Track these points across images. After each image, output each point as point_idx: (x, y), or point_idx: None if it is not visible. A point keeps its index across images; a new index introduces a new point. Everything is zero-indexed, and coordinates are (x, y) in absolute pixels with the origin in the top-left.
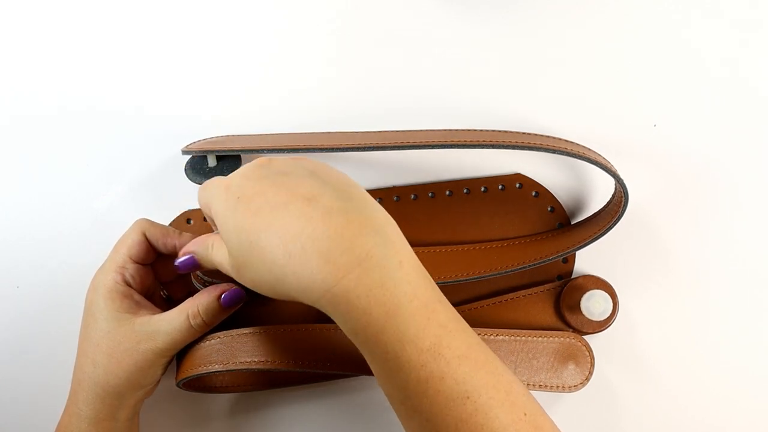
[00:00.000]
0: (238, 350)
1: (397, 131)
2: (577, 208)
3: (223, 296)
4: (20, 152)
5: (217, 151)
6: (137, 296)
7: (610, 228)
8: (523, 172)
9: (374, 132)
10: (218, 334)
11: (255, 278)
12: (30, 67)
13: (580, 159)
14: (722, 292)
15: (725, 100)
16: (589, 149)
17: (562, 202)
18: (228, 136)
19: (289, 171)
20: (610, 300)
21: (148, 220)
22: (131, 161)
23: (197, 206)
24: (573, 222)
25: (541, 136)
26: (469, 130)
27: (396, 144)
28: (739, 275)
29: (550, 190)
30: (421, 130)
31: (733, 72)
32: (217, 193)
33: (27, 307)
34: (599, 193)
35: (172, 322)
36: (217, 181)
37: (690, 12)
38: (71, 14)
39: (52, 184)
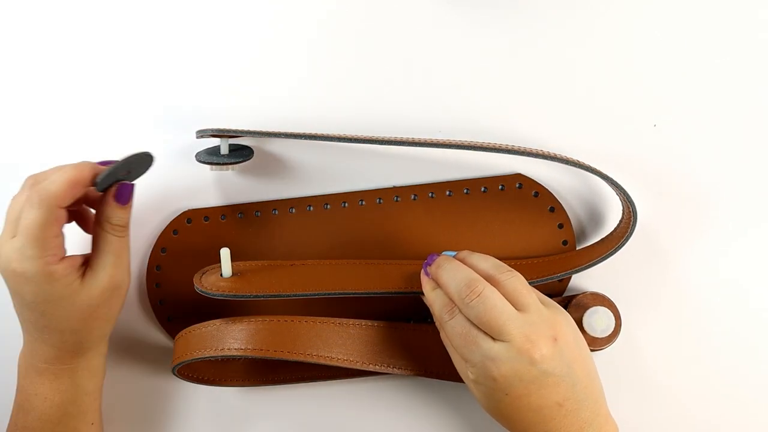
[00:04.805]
0: (229, 337)
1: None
2: (578, 208)
3: (115, 194)
4: (20, 151)
5: (231, 132)
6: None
7: (614, 252)
8: (523, 172)
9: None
10: (213, 321)
11: (483, 405)
12: (28, 66)
13: (596, 175)
14: (725, 304)
15: (726, 101)
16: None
17: (562, 202)
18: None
19: (552, 371)
20: (613, 317)
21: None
22: None
23: (196, 206)
24: (571, 219)
25: (545, 153)
26: (470, 142)
27: (402, 140)
28: (743, 284)
29: (550, 190)
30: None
31: (733, 72)
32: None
33: None
34: (600, 192)
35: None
36: (516, 354)
37: (690, 13)
38: (70, 11)
39: None
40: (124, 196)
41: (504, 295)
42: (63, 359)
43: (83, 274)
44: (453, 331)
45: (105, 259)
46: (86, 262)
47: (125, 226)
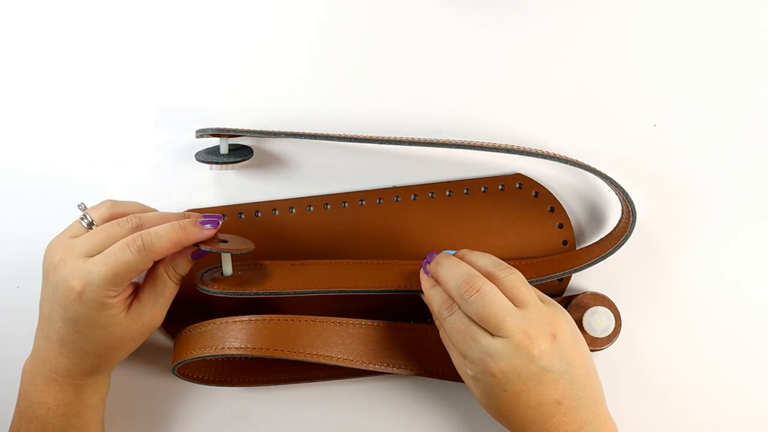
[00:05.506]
0: (229, 337)
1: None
2: (578, 208)
3: (193, 253)
4: (20, 151)
5: (231, 132)
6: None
7: (613, 251)
8: (523, 172)
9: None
10: (213, 320)
11: (482, 402)
12: (28, 66)
13: (596, 174)
14: (725, 303)
15: (726, 101)
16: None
17: (562, 202)
18: (238, 129)
19: (551, 368)
20: (613, 317)
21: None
22: (132, 161)
23: (196, 206)
24: (571, 219)
25: (545, 153)
26: (470, 142)
27: (402, 140)
28: (743, 284)
29: (550, 190)
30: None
31: (733, 72)
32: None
33: (27, 307)
34: (600, 192)
35: None
36: (514, 353)
37: (690, 13)
38: (71, 10)
39: (52, 184)
40: (199, 256)
41: (503, 292)
42: (74, 375)
43: (129, 306)
44: (452, 327)
45: (156, 300)
46: (134, 293)
47: (184, 276)
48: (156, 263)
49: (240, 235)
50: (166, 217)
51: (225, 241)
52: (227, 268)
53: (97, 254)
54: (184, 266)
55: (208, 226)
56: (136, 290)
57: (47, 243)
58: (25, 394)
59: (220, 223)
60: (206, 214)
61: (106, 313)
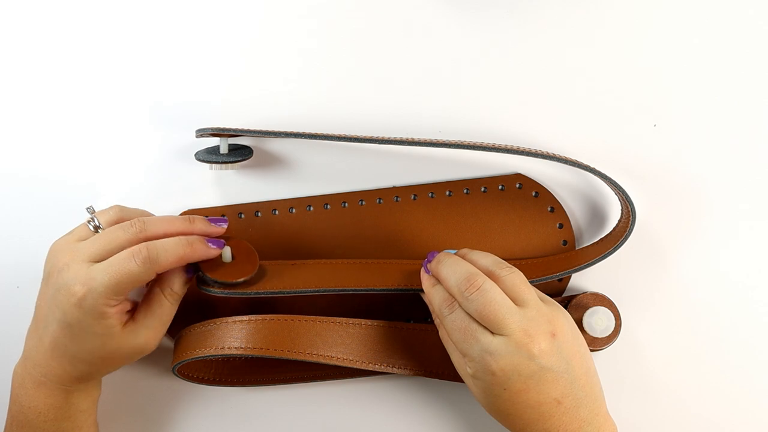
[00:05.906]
0: (229, 336)
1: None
2: (578, 208)
3: (186, 267)
4: (21, 151)
5: (231, 131)
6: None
7: (613, 251)
8: (523, 172)
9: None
10: (212, 320)
11: (481, 401)
12: (27, 66)
13: (595, 174)
14: (725, 303)
15: (726, 101)
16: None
17: (562, 202)
18: (238, 129)
19: (550, 367)
20: (613, 317)
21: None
22: (132, 161)
23: (196, 206)
24: (571, 219)
25: (545, 153)
26: (470, 142)
27: (402, 140)
28: (743, 283)
29: (551, 191)
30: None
31: (733, 72)
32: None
33: (27, 307)
34: (599, 192)
35: None
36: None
37: (691, 13)
38: (70, 10)
39: (51, 184)
40: (191, 271)
41: (503, 291)
42: (64, 380)
43: (126, 322)
44: (452, 325)
45: (151, 321)
46: (133, 310)
47: (181, 296)
48: (152, 285)
49: (240, 236)
50: (171, 221)
51: (228, 252)
52: None
53: (101, 259)
54: (180, 285)
55: (213, 246)
56: (134, 310)
57: (47, 243)
58: (16, 398)
59: (225, 243)
60: (211, 218)
61: (104, 322)
